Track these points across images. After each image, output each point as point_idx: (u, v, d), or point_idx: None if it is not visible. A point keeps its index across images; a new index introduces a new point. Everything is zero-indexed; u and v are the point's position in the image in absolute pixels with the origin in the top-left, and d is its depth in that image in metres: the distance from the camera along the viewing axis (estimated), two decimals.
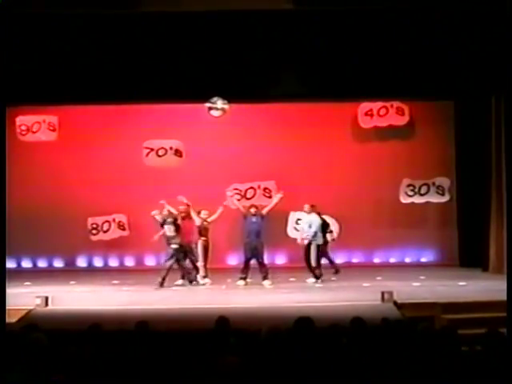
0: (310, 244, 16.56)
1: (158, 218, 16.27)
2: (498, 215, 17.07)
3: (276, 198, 16.95)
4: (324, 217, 17.36)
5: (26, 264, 19.04)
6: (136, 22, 15.59)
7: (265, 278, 16.00)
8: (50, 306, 13.37)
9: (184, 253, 16.29)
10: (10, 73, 15.68)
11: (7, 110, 18.68)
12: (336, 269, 17.11)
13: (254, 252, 16.27)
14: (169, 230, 16.11)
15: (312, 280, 16.51)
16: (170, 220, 16.17)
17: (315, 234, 16.52)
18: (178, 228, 16.16)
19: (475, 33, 15.61)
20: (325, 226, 16.83)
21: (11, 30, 15.49)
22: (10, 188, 19.42)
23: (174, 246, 15.91)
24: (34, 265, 19.63)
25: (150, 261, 19.04)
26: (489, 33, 15.56)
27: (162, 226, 16.27)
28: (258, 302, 13.67)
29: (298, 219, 18.30)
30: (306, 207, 16.93)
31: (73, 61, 15.82)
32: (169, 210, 16.24)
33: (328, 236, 17.00)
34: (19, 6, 14.45)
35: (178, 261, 16.08)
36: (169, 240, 16.10)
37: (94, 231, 18.82)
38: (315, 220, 16.61)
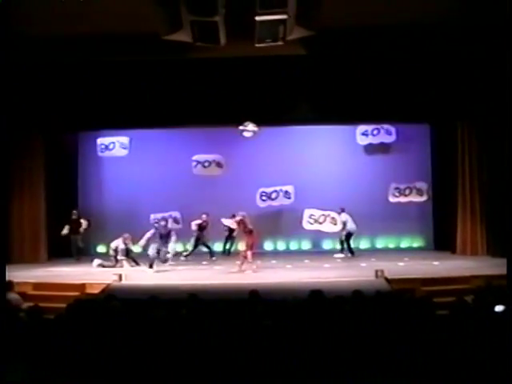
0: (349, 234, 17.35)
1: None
2: (463, 210, 17.09)
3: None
4: (329, 212, 17.61)
5: (104, 249, 19.10)
6: (188, 66, 15.69)
7: None
8: (124, 281, 13.51)
9: None
10: (95, 106, 16.01)
11: (92, 133, 19.02)
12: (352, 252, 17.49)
13: None
14: None
15: (341, 255, 17.30)
16: None
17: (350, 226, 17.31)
18: None
19: (445, 74, 15.63)
20: None
21: (95, 77, 15.82)
22: (91, 190, 19.70)
23: None
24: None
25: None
26: (456, 73, 15.57)
27: None
28: (280, 279, 13.66)
29: (311, 215, 18.34)
30: (340, 209, 17.51)
31: (139, 97, 15.98)
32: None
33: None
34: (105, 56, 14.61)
35: None
36: None
37: (155, 224, 18.83)
38: (348, 217, 17.33)
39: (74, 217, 17.75)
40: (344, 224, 17.31)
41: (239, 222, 15.33)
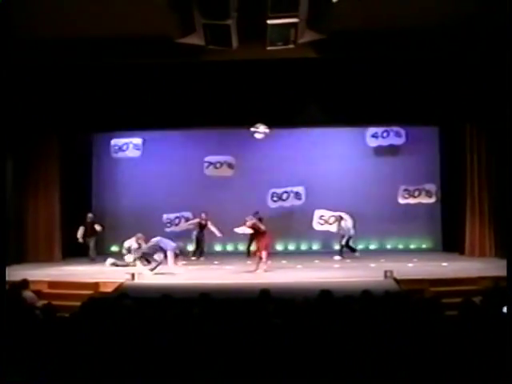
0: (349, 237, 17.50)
1: None
2: (471, 212, 17.02)
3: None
4: (341, 214, 17.61)
5: (115, 248, 19.11)
6: (200, 68, 15.72)
7: None
8: (136, 280, 13.56)
9: None
10: (109, 108, 16.10)
11: (105, 135, 19.10)
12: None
13: None
14: None
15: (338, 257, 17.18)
16: None
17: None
18: None
19: (454, 76, 15.63)
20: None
21: (109, 79, 15.91)
22: (105, 190, 19.76)
23: None
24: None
25: (208, 247, 19.01)
26: (466, 75, 15.55)
27: None
28: (290, 279, 13.67)
29: (322, 216, 18.36)
30: (339, 217, 17.69)
31: (153, 99, 16.06)
32: None
33: None
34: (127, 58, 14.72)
35: None
36: None
37: (168, 224, 18.93)
38: (350, 222, 17.62)
39: (88, 220, 17.68)
40: (347, 229, 17.36)
41: (252, 227, 15.28)
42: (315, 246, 19.65)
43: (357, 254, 17.37)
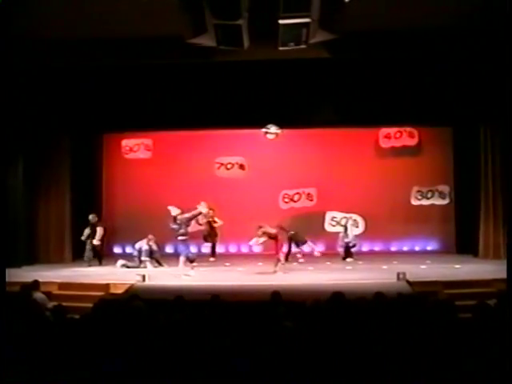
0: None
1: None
2: (486, 214, 16.94)
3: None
4: (351, 215, 17.55)
5: (128, 250, 19.13)
6: (211, 69, 15.72)
7: None
8: (147, 282, 13.54)
9: None
10: (120, 108, 16.16)
11: (116, 135, 19.16)
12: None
13: None
14: None
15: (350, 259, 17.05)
16: None
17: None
18: None
19: (468, 77, 15.56)
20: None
21: (120, 79, 15.96)
22: (115, 192, 19.81)
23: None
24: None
25: (219, 248, 19.01)
26: (479, 77, 15.48)
27: None
28: (302, 280, 13.65)
29: (333, 217, 18.34)
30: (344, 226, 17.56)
31: (164, 100, 16.11)
32: None
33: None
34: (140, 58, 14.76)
35: None
36: None
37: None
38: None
39: (91, 221, 16.98)
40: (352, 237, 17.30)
41: (263, 236, 15.22)
42: (327, 248, 19.58)
43: (348, 259, 17.18)
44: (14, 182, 16.46)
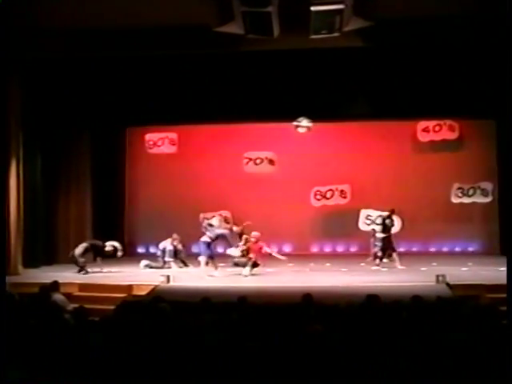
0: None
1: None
2: None
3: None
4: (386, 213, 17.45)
5: (152, 250, 19.20)
6: (239, 59, 15.70)
7: None
8: (172, 283, 13.55)
9: None
10: (143, 102, 16.25)
11: (139, 129, 19.25)
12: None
13: None
14: None
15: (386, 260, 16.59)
16: None
17: None
18: None
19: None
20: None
21: (144, 72, 16.05)
22: (138, 189, 19.93)
23: None
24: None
25: None
26: None
27: None
28: (335, 282, 13.59)
29: (368, 215, 18.24)
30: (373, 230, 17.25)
31: (189, 92, 16.16)
32: None
33: None
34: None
35: None
36: None
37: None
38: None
39: (107, 248, 16.00)
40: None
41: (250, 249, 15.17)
42: (362, 248, 19.49)
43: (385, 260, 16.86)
44: (33, 179, 16.54)
